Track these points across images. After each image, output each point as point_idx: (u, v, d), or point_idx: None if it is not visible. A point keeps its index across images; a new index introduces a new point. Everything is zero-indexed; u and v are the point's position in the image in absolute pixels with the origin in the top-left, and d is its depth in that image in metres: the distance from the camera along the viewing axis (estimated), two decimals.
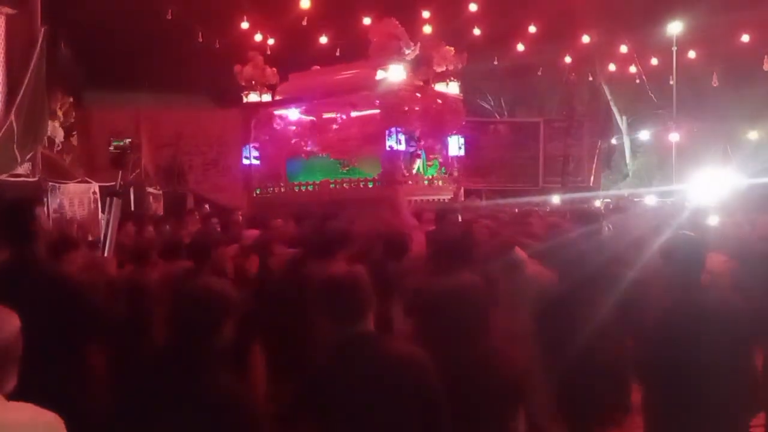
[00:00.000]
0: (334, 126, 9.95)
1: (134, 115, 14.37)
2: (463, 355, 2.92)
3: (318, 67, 11.72)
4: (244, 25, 13.26)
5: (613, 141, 17.62)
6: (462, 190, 10.71)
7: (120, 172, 6.49)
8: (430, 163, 10.19)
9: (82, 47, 12.68)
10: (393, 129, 9.02)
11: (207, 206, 12.26)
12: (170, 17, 12.62)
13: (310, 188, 9.90)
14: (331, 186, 9.71)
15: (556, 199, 12.66)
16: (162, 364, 2.60)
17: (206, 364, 2.55)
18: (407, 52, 9.15)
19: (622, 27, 13.36)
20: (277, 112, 10.70)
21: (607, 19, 12.83)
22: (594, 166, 17.02)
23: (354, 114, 9.85)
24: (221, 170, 15.60)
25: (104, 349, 3.64)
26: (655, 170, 16.52)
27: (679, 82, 13.91)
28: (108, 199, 6.40)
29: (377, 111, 9.50)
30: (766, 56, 12.32)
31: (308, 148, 10.27)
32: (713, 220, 5.79)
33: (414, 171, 9.75)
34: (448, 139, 10.22)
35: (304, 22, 13.02)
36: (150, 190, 13.87)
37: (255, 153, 10.67)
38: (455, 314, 3.03)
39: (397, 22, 9.25)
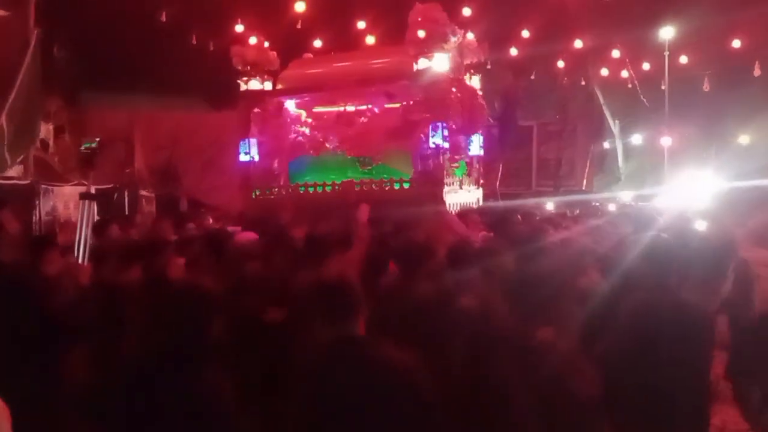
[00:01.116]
0: (363, 119, 8.85)
1: (129, 117, 14.37)
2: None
3: (310, 55, 10.79)
4: (239, 27, 13.27)
5: (606, 145, 17.68)
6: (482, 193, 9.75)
7: (90, 173, 6.62)
8: (456, 163, 9.12)
9: (76, 49, 12.67)
10: (439, 124, 8.09)
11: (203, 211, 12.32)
12: (164, 19, 12.61)
13: (327, 189, 8.59)
14: (357, 187, 8.42)
15: (550, 203, 12.71)
16: (149, 365, 2.62)
17: (195, 364, 2.59)
18: (453, 39, 8.29)
19: (614, 32, 13.43)
20: (287, 103, 9.38)
21: (600, 24, 12.89)
22: (587, 169, 17.09)
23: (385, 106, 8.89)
24: (216, 172, 15.58)
25: (78, 350, 3.63)
26: (647, 173, 16.58)
27: (671, 87, 13.99)
28: (81, 202, 6.47)
29: (401, 103, 8.66)
30: (757, 61, 12.43)
31: (330, 145, 8.97)
32: (697, 223, 5.84)
33: (454, 171, 8.77)
34: (472, 137, 9.31)
35: (299, 25, 12.99)
36: (143, 192, 13.87)
37: (253, 149, 9.28)
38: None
39: (441, 7, 8.35)
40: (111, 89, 13.80)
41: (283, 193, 8.98)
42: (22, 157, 9.62)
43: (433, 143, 8.05)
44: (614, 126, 17.19)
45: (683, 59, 13.64)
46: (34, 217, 9.36)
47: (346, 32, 12.82)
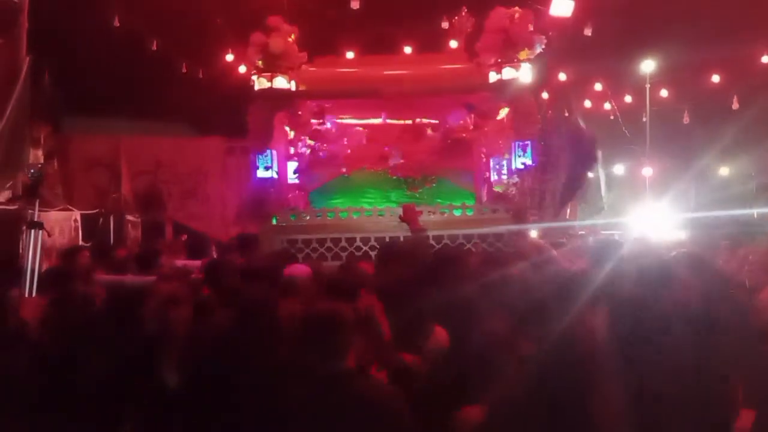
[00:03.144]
0: (429, 131, 7.41)
1: (114, 143, 14.37)
2: None
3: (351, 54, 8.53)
4: (229, 57, 13.39)
5: (589, 175, 17.96)
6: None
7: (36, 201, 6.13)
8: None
9: (63, 74, 12.69)
10: (528, 143, 7.08)
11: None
12: (155, 48, 12.71)
13: (379, 215, 6.85)
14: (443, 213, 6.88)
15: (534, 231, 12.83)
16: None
17: None
18: (539, 48, 7.38)
19: (596, 65, 13.76)
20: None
21: (582, 58, 13.20)
22: (571, 199, 17.33)
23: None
24: (200, 199, 15.58)
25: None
26: (629, 204, 16.86)
27: (652, 119, 14.32)
28: (26, 231, 6.09)
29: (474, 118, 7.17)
30: (735, 96, 12.82)
31: (392, 162, 7.27)
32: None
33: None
34: (516, 146, 7.58)
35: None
36: (129, 217, 13.82)
37: (274, 163, 7.24)
38: None
39: (530, 12, 7.27)
40: (98, 115, 13.83)
41: (322, 219, 6.92)
42: (10, 183, 9.56)
43: (522, 164, 7.02)
44: (597, 156, 17.47)
45: (664, 93, 13.98)
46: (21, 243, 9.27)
47: (375, 35, 11.77)
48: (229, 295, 3.87)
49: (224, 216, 14.71)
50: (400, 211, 6.70)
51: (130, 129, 14.46)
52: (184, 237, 12.53)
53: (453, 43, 8.72)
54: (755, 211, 14.18)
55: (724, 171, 15.78)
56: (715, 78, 12.73)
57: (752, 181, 15.59)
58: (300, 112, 7.39)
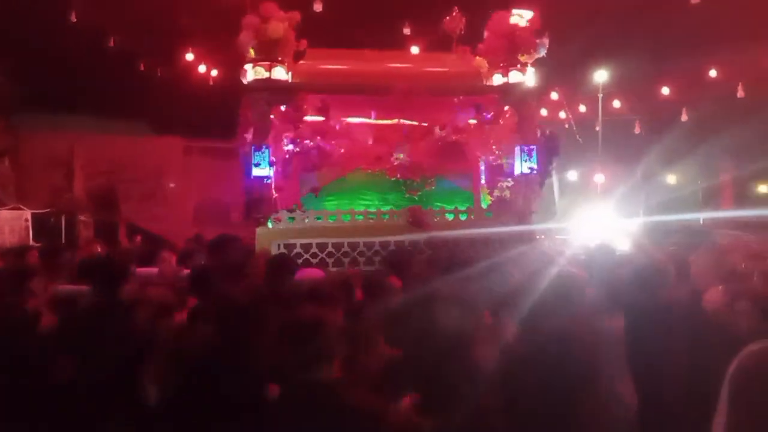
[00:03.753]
0: (438, 131, 7.09)
1: (70, 141, 14.04)
2: None
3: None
4: (189, 56, 13.26)
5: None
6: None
7: None
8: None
9: (17, 70, 12.36)
10: (533, 147, 6.94)
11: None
12: (113, 44, 12.48)
13: (384, 218, 6.56)
14: (436, 217, 6.69)
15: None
16: None
17: None
18: (543, 52, 7.20)
19: (552, 75, 14.15)
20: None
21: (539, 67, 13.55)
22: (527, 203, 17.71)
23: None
24: (158, 200, 15.34)
25: None
26: (580, 209, 17.34)
27: (605, 128, 14.80)
28: None
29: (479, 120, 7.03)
30: (684, 108, 13.40)
31: (396, 161, 6.95)
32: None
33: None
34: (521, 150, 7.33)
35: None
36: (81, 217, 13.54)
37: (266, 161, 6.55)
38: None
39: (538, 13, 7.16)
40: (52, 113, 13.49)
41: (314, 221, 6.48)
42: None
43: (529, 168, 6.95)
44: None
45: (617, 103, 14.48)
46: None
47: (377, 30, 11.05)
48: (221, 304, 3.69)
49: (183, 217, 14.53)
50: (404, 214, 6.67)
51: (86, 127, 14.12)
52: (138, 239, 12.35)
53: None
54: (701, 217, 14.84)
55: (671, 178, 16.41)
56: (665, 90, 13.26)
57: (698, 187, 16.26)
58: (305, 107, 6.68)
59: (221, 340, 3.35)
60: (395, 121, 7.18)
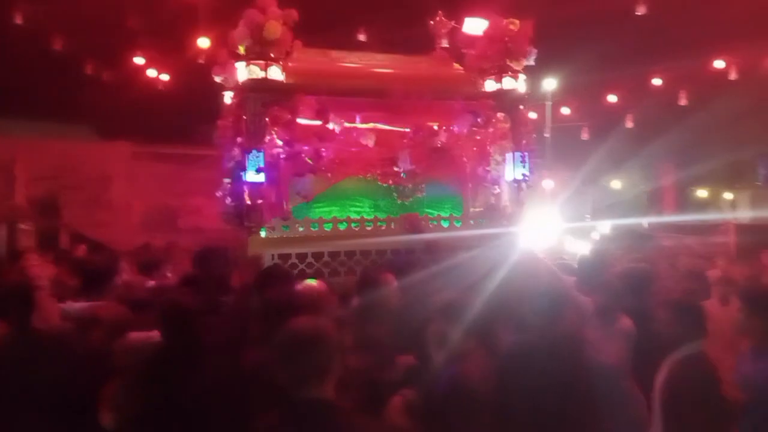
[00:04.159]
0: (440, 140, 6.94)
1: (11, 145, 13.54)
2: None
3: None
4: (138, 60, 12.99)
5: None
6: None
7: None
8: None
9: None
10: (525, 154, 6.95)
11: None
12: (59, 48, 12.12)
13: (380, 225, 6.43)
14: (432, 223, 6.61)
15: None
16: None
17: None
18: (532, 60, 7.23)
19: None
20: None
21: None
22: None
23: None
24: (103, 206, 14.93)
25: None
26: (528, 213, 17.69)
27: (554, 135, 15.18)
28: None
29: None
30: (628, 114, 13.86)
31: (401, 167, 6.77)
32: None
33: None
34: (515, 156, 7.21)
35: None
36: (23, 226, 13.10)
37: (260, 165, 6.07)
38: None
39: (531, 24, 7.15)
40: None
41: (309, 230, 6.25)
42: None
43: (522, 175, 6.95)
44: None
45: (565, 110, 14.86)
46: None
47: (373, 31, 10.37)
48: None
49: (130, 224, 14.18)
50: (400, 221, 6.52)
51: (28, 132, 13.63)
52: (83, 247, 11.97)
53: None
54: (646, 221, 15.34)
55: (617, 183, 16.93)
56: (612, 97, 13.67)
57: (643, 191, 16.81)
58: (300, 109, 6.35)
59: (173, 351, 3.25)
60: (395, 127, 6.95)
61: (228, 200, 6.94)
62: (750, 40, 12.53)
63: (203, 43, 12.51)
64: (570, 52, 12.13)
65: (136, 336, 3.62)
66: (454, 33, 7.62)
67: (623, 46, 12.28)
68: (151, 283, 5.27)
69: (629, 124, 14.06)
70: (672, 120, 14.48)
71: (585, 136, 14.73)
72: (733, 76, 13.35)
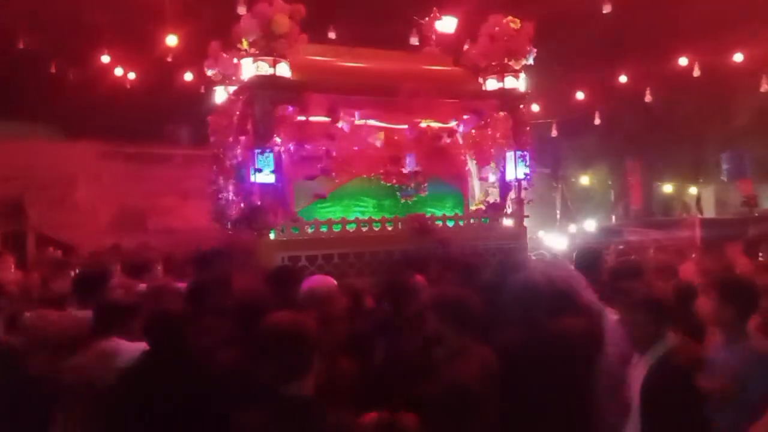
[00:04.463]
0: (448, 139, 6.91)
1: None
2: None
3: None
4: (105, 58, 12.76)
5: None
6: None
7: None
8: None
9: None
10: (526, 152, 7.01)
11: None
12: (22, 46, 11.85)
13: (388, 226, 6.36)
14: (448, 224, 6.61)
15: None
16: None
17: None
18: (531, 59, 7.23)
19: None
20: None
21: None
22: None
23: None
24: (68, 208, 14.64)
25: None
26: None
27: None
28: None
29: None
30: (597, 112, 14.05)
31: (407, 169, 6.67)
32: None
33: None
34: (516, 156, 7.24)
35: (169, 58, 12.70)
36: None
37: (270, 165, 5.83)
38: None
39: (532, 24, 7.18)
40: None
41: (318, 231, 6.10)
42: None
43: (524, 174, 7.01)
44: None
45: (535, 107, 14.99)
46: None
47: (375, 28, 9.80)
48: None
49: (97, 225, 13.93)
50: (408, 221, 6.45)
51: None
52: (51, 250, 11.76)
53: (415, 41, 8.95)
54: (614, 216, 15.63)
55: (585, 180, 17.15)
56: (580, 95, 13.84)
57: (610, 187, 17.06)
58: (311, 108, 6.15)
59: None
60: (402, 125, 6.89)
61: (222, 200, 6.84)
62: (713, 39, 12.81)
63: (171, 41, 12.36)
64: (541, 51, 12.26)
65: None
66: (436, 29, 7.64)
67: (590, 45, 12.45)
68: (142, 286, 5.12)
69: (597, 122, 14.25)
70: (638, 117, 14.73)
71: (555, 132, 14.89)
72: (696, 73, 13.63)
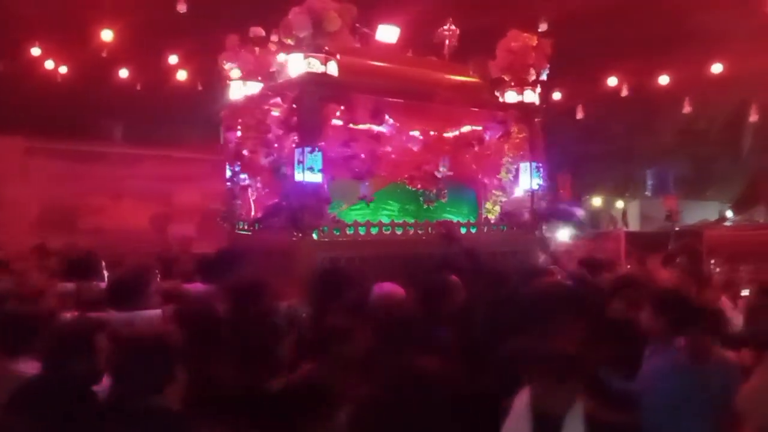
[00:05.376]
0: (475, 147, 7.12)
1: None
2: None
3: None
4: (35, 51, 12.32)
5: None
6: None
7: None
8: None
9: None
10: (540, 164, 7.26)
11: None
12: None
13: (419, 231, 6.42)
14: (471, 230, 6.77)
15: None
16: None
17: None
18: (544, 75, 7.49)
19: None
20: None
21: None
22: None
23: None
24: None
25: None
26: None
27: None
28: None
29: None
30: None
31: (440, 173, 6.75)
32: None
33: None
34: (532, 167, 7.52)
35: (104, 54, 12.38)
36: None
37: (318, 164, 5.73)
38: None
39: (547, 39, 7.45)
40: None
41: (358, 233, 6.13)
42: None
43: (538, 184, 7.25)
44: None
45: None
46: None
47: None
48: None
49: (22, 224, 13.39)
50: (436, 226, 6.58)
51: None
52: None
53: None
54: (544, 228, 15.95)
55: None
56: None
57: (542, 199, 17.47)
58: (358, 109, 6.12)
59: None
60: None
61: (238, 199, 7.00)
62: (641, 60, 13.41)
63: (107, 35, 12.06)
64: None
65: None
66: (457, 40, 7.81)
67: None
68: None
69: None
70: (571, 132, 15.22)
71: None
72: (624, 93, 14.23)
